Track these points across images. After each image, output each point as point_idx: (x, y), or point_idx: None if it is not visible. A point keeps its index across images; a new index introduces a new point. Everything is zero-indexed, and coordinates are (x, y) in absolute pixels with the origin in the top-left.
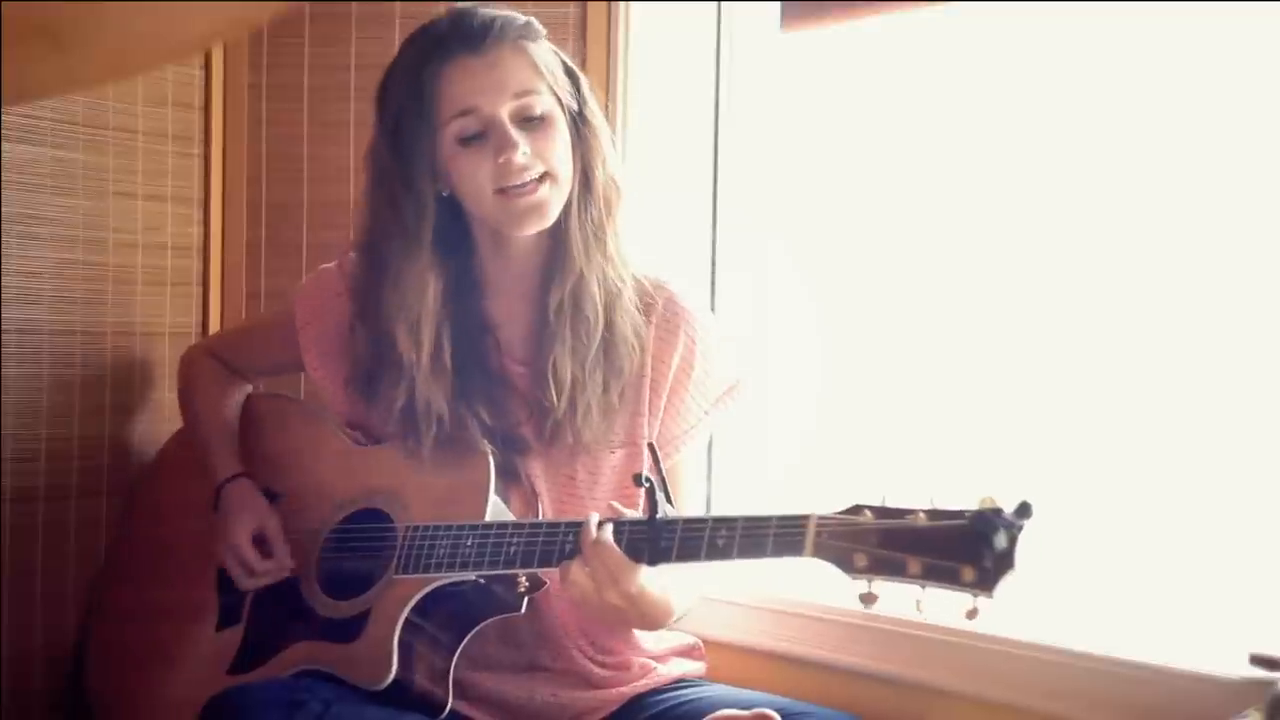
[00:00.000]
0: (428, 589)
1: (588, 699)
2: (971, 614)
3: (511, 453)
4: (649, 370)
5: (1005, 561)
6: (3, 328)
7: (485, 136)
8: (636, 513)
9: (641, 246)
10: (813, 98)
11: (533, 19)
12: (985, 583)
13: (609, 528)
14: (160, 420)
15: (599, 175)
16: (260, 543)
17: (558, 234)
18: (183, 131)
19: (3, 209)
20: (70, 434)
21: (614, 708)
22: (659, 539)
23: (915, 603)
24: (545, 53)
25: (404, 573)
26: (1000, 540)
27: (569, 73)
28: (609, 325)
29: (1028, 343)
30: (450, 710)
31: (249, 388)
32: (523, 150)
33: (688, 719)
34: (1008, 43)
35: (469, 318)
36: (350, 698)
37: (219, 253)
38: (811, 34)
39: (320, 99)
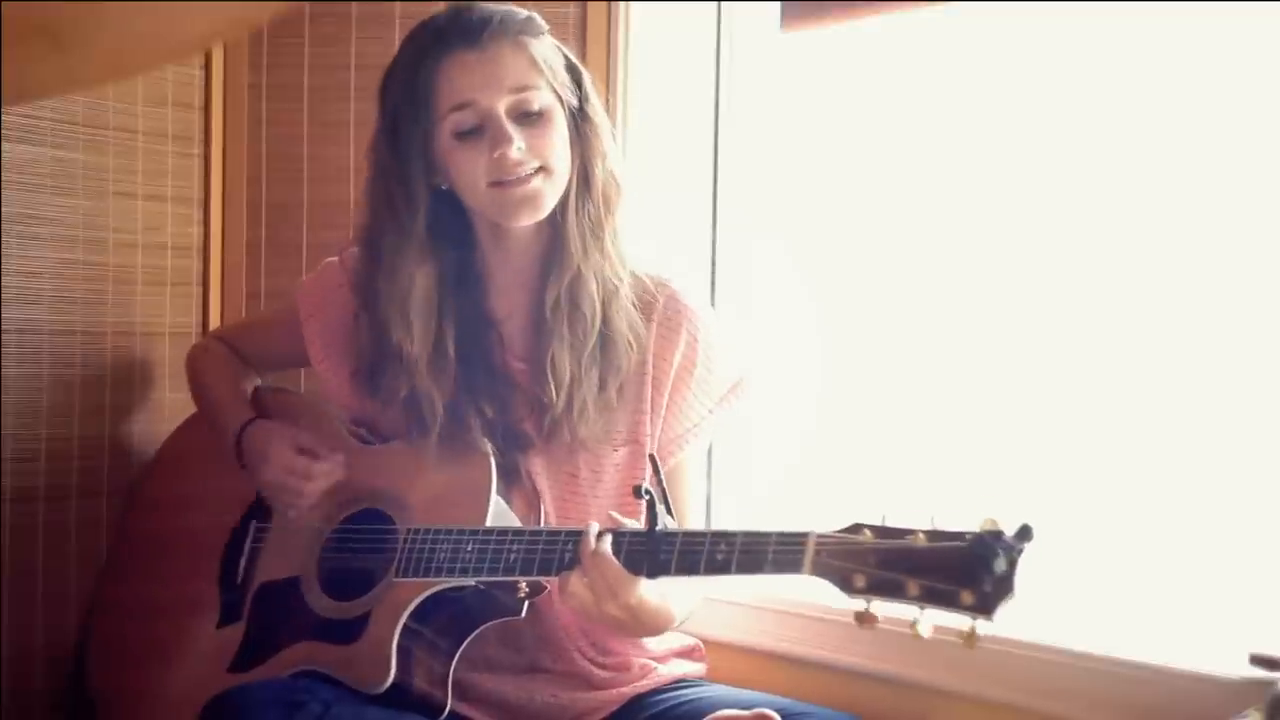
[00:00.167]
0: (427, 593)
1: (588, 699)
2: (969, 638)
3: (513, 449)
4: (650, 368)
5: (1005, 586)
6: (3, 328)
7: (482, 131)
8: (636, 522)
9: (641, 245)
10: (813, 98)
11: (535, 14)
12: (984, 607)
13: (608, 539)
14: (160, 420)
15: (598, 172)
16: (303, 452)
17: (556, 230)
18: (183, 131)
19: (3, 209)
20: (70, 434)
21: (614, 708)
22: (658, 552)
23: (912, 623)
24: (546, 48)
25: (404, 576)
26: (1000, 564)
27: (571, 69)
28: (606, 322)
29: (1027, 342)
30: (450, 711)
31: (258, 379)
32: (517, 145)
33: (688, 719)
34: (1008, 43)
35: (473, 312)
36: (350, 699)
37: (219, 253)
38: (811, 34)
39: (320, 99)
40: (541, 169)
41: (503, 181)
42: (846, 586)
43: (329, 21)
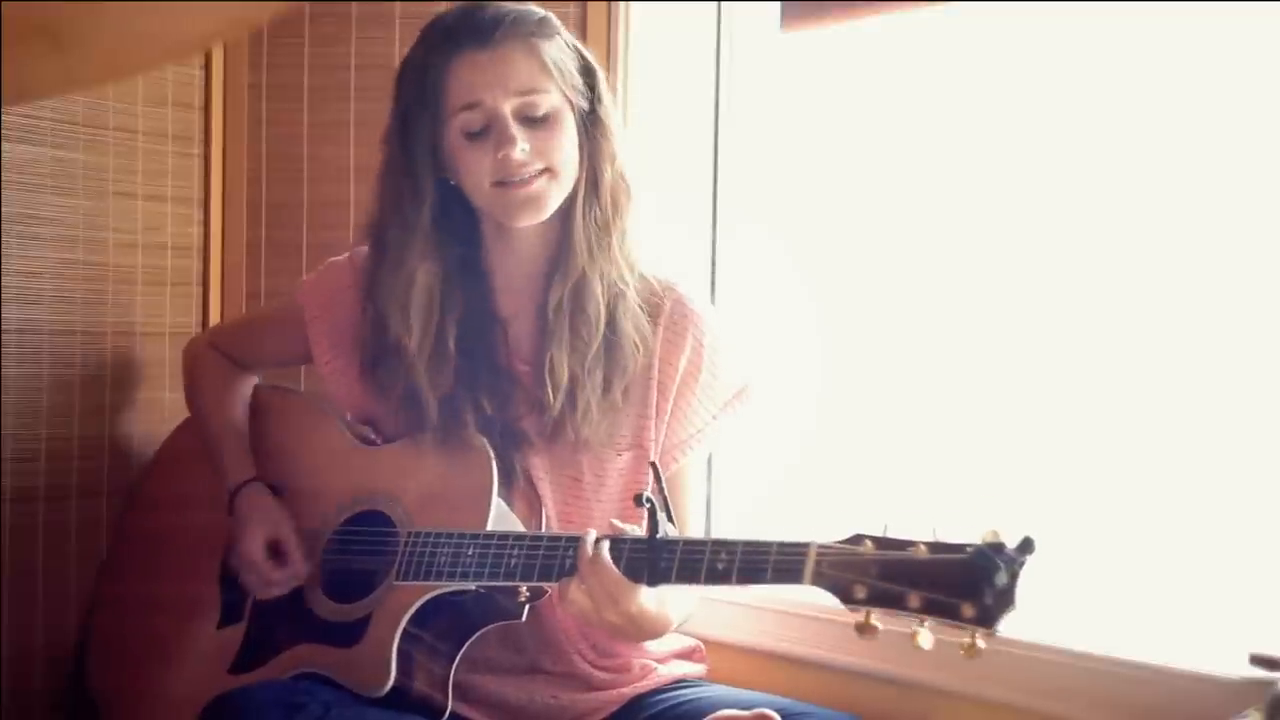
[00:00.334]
0: (428, 596)
1: (588, 700)
2: (970, 650)
3: (510, 447)
4: (655, 372)
5: (1006, 599)
6: (3, 328)
7: (488, 131)
8: (638, 527)
9: (644, 247)
10: (813, 98)
11: (549, 15)
12: (985, 620)
13: (606, 545)
14: (160, 420)
15: (607, 175)
16: (274, 549)
17: (563, 231)
18: (183, 131)
19: (3, 209)
20: (70, 434)
21: (614, 709)
22: (659, 559)
23: (913, 635)
24: (558, 50)
25: (404, 579)
26: (1001, 578)
27: (585, 70)
28: (611, 324)
29: (1027, 341)
30: (450, 712)
31: (254, 379)
32: (521, 147)
33: (687, 719)
34: (1008, 43)
35: (479, 308)
36: (350, 701)
37: (219, 253)
38: (811, 34)
39: (320, 99)
40: (546, 171)
41: (506, 182)
42: (847, 597)
43: (329, 21)
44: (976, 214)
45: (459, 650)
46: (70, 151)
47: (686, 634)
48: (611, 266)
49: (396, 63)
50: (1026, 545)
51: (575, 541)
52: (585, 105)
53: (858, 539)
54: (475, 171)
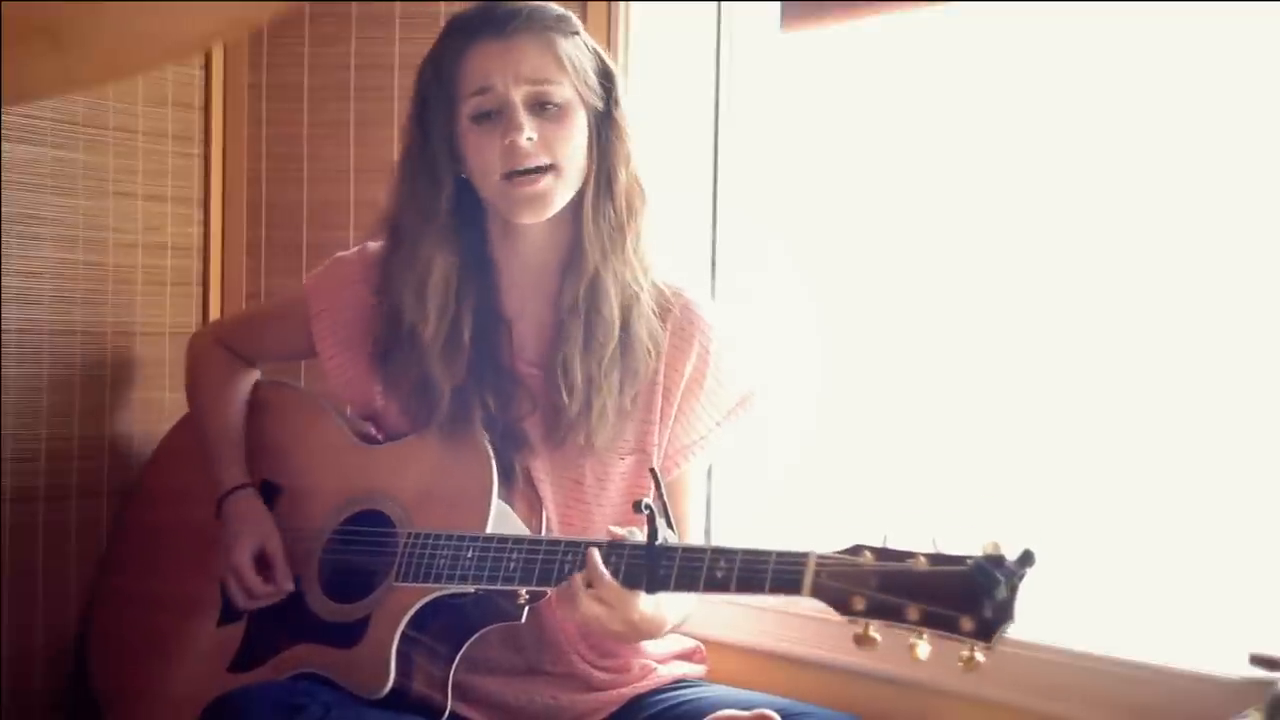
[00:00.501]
0: (428, 598)
1: (588, 701)
2: (968, 663)
3: (510, 448)
4: (661, 377)
5: (1005, 612)
6: (3, 328)
7: (498, 118)
8: (637, 530)
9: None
10: (813, 98)
11: (570, 15)
12: (984, 633)
13: (609, 568)
14: (160, 420)
15: (622, 177)
16: (261, 561)
17: (573, 231)
18: (183, 131)
19: (3, 209)
20: (70, 434)
21: (614, 709)
22: (657, 566)
23: (910, 646)
24: (575, 48)
25: (404, 580)
26: (1000, 591)
27: (603, 72)
28: (625, 327)
29: (1027, 341)
30: (450, 713)
31: (256, 374)
32: (528, 135)
33: (687, 719)
34: (1008, 43)
35: (486, 304)
36: (350, 702)
37: (219, 253)
38: (811, 34)
39: (320, 99)
40: (552, 167)
41: (513, 174)
42: (845, 609)
43: (329, 21)
44: (977, 214)
45: (458, 651)
46: (70, 151)
47: (686, 635)
48: (625, 268)
49: (396, 63)
50: (1026, 558)
51: (575, 546)
52: (600, 106)
53: (857, 549)
54: (483, 159)
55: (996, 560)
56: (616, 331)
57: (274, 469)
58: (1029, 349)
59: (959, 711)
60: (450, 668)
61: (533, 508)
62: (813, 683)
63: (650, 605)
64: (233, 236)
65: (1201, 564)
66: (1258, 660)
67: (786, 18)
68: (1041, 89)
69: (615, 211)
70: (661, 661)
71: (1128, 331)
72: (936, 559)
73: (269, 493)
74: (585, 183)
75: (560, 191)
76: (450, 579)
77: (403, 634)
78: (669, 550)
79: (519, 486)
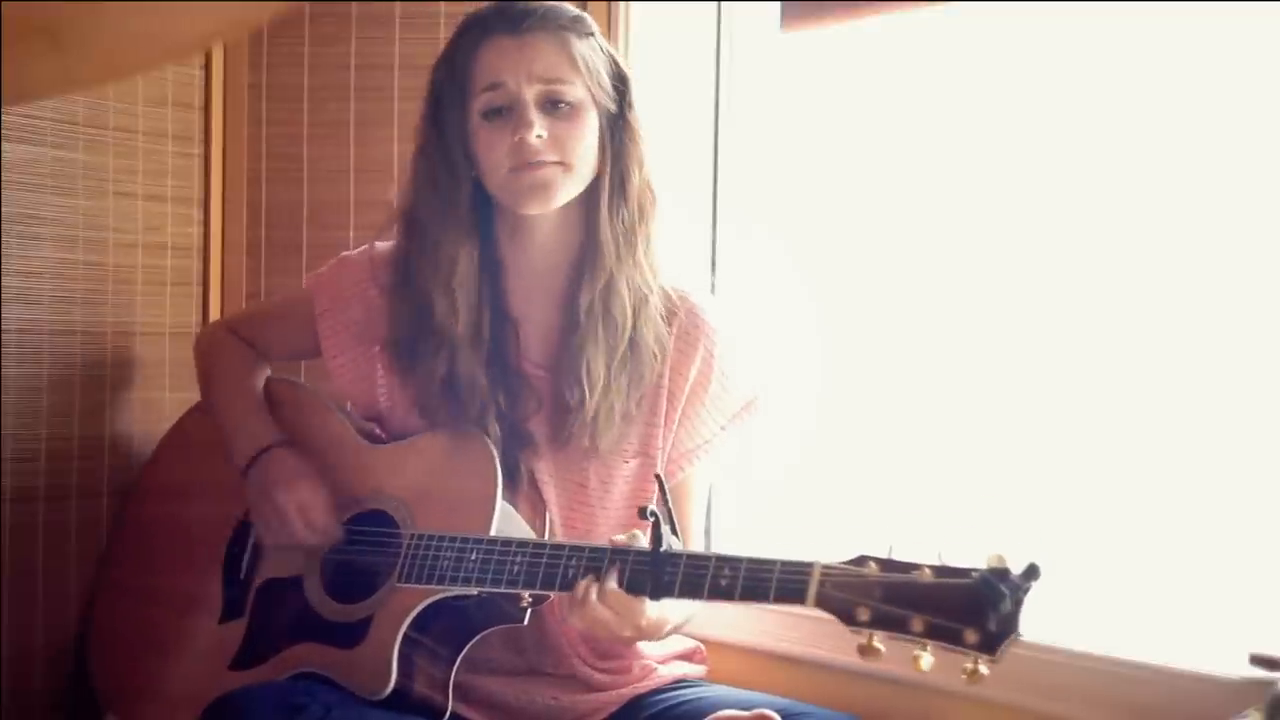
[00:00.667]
0: (430, 599)
1: (588, 701)
2: (972, 676)
3: (514, 448)
4: (666, 381)
5: (1009, 625)
6: (3, 328)
7: (508, 115)
8: (639, 532)
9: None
10: (813, 98)
11: (587, 16)
12: (988, 646)
13: (614, 576)
14: (160, 420)
15: (635, 180)
16: (304, 509)
17: (587, 232)
18: (183, 131)
19: (3, 209)
20: (70, 434)
21: (614, 709)
22: (661, 573)
23: (914, 658)
24: (589, 50)
25: (406, 582)
26: (1005, 605)
27: (618, 75)
28: (633, 330)
29: (1027, 341)
30: (450, 713)
31: (268, 370)
32: (537, 133)
33: (687, 719)
34: (1008, 43)
35: (496, 301)
36: (351, 703)
37: (219, 253)
38: (811, 34)
39: (320, 99)
40: (560, 163)
41: (519, 167)
42: (849, 619)
43: (329, 21)
44: (977, 214)
45: (460, 653)
46: (70, 151)
47: (687, 635)
48: (636, 271)
49: (396, 63)
50: (1031, 572)
51: (579, 550)
52: (613, 108)
53: (862, 560)
54: (492, 154)
55: (1001, 573)
56: (627, 334)
57: None
58: (1028, 348)
59: (959, 711)
60: (452, 669)
61: (536, 510)
62: (813, 683)
63: (655, 610)
64: (233, 236)
65: (1201, 564)
66: (1258, 660)
67: (786, 18)
68: (1042, 89)
69: (629, 212)
70: (662, 662)
71: (1127, 331)
72: (941, 571)
73: None
74: (599, 185)
75: (566, 185)
76: (454, 581)
77: (404, 635)
78: (674, 557)
79: (523, 488)
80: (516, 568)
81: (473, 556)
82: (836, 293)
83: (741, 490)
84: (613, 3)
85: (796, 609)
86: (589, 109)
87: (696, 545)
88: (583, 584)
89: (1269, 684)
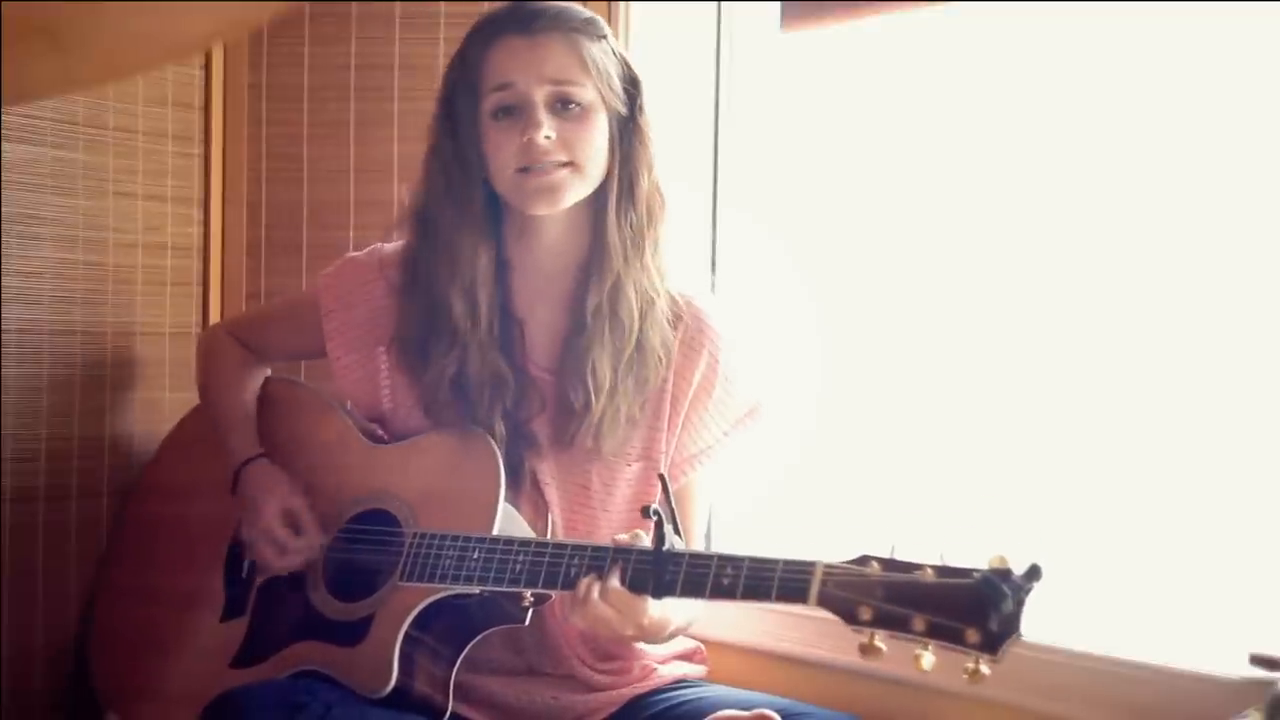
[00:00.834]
0: (432, 599)
1: (588, 701)
2: (974, 676)
3: (517, 448)
4: (670, 385)
5: (1011, 625)
6: (3, 328)
7: (518, 114)
8: (641, 533)
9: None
10: (813, 98)
11: (599, 18)
12: (989, 646)
13: (617, 575)
14: (160, 420)
15: (644, 183)
16: (289, 519)
17: (594, 235)
18: (183, 131)
19: (3, 209)
20: (70, 434)
21: (614, 709)
22: (664, 572)
23: (915, 658)
24: (600, 53)
25: (408, 580)
26: (1007, 605)
27: (629, 79)
28: (640, 333)
29: (1028, 341)
30: (451, 713)
31: (268, 371)
32: (546, 133)
33: (687, 719)
34: (1008, 43)
35: (502, 301)
36: (352, 701)
37: (219, 253)
38: (811, 34)
39: (320, 99)
40: (570, 164)
41: (528, 168)
42: (851, 618)
43: (329, 21)
44: (977, 215)
45: (461, 652)
46: (70, 151)
47: (687, 636)
48: (644, 274)
49: (396, 63)
50: (1033, 573)
51: (581, 550)
52: (623, 111)
53: (864, 560)
54: (501, 154)
55: (1003, 574)
56: (634, 337)
57: (281, 465)
58: (1028, 348)
59: (959, 711)
60: (452, 668)
61: (539, 511)
62: (813, 683)
63: (657, 609)
64: (233, 236)
65: (1201, 564)
66: (1258, 660)
67: (786, 18)
68: (1042, 89)
69: (638, 215)
70: (662, 662)
71: (1126, 332)
72: (943, 571)
73: None
74: (608, 188)
75: (574, 187)
76: (455, 580)
77: (406, 634)
78: (676, 556)
79: (525, 489)
80: (519, 566)
81: (475, 555)
82: (836, 292)
83: (742, 490)
84: (613, 3)
85: (797, 609)
86: (599, 111)
87: (697, 548)
88: (585, 582)
89: (1269, 684)
